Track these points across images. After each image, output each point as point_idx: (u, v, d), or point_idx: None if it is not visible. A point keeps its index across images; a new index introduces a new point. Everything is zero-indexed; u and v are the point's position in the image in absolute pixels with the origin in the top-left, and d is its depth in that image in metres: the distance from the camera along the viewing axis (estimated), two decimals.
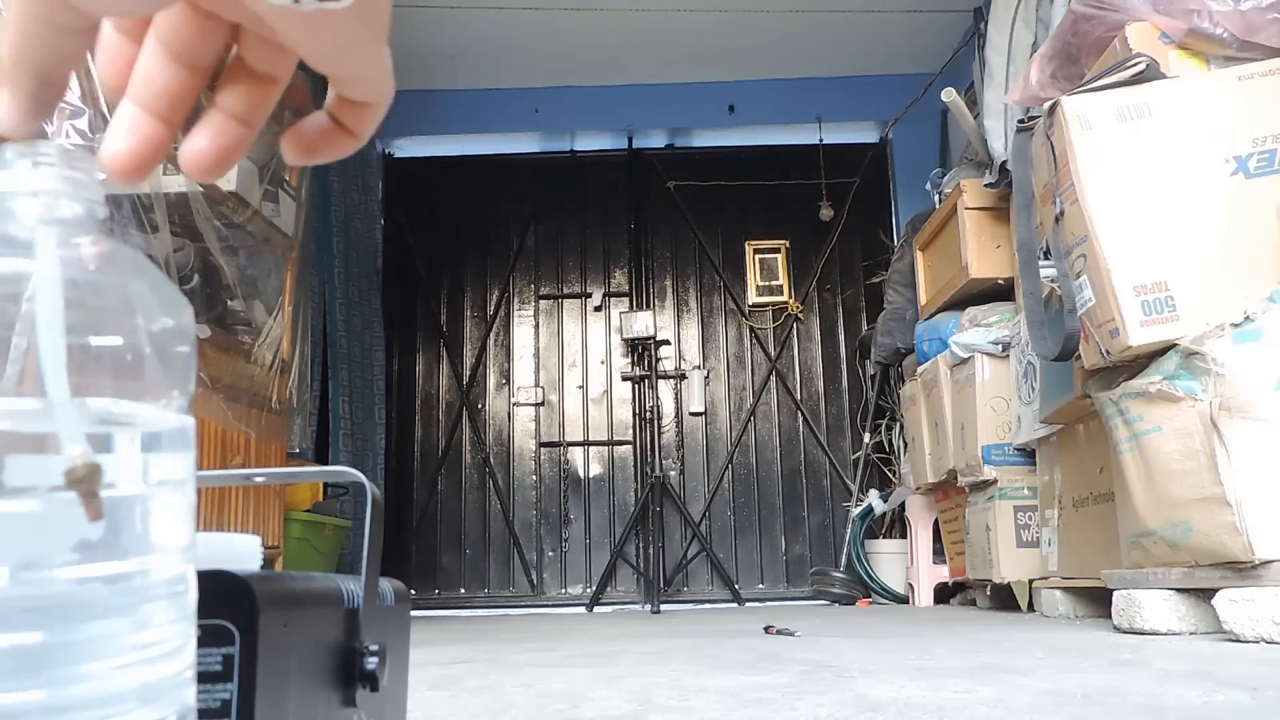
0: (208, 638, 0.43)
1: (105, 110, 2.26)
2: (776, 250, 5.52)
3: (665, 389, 5.38)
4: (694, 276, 5.56)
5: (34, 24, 0.33)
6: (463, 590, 5.20)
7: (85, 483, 0.30)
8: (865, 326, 5.36)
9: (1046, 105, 2.32)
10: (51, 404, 0.30)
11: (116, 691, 0.31)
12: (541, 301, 5.55)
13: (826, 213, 5.35)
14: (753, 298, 5.47)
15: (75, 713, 0.30)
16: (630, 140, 5.68)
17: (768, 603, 4.94)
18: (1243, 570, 1.84)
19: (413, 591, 4.63)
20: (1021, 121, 2.49)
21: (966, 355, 3.47)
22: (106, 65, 0.36)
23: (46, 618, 0.30)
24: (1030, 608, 3.09)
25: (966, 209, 3.66)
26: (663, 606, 4.52)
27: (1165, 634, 1.99)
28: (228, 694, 0.44)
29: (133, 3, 0.33)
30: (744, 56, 5.31)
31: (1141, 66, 2.20)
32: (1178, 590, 2.01)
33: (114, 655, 0.31)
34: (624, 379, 5.39)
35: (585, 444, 5.33)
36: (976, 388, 3.40)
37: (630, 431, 5.32)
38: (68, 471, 0.30)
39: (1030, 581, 3.11)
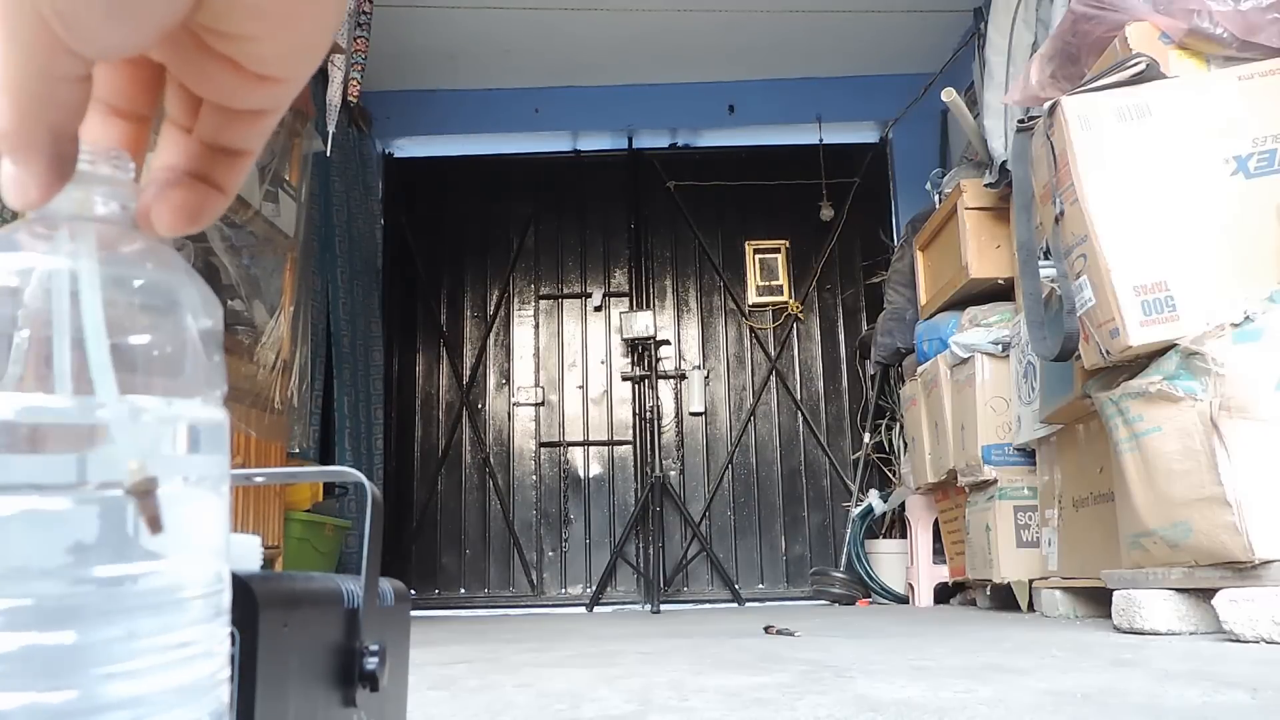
0: None
1: None
2: (776, 250, 5.52)
3: (665, 389, 5.38)
4: (694, 276, 5.56)
5: (39, 83, 0.30)
6: (463, 590, 5.20)
7: (144, 495, 0.30)
8: (865, 326, 5.36)
9: (1046, 105, 2.32)
10: (103, 409, 0.30)
11: (152, 692, 0.31)
12: (541, 301, 5.55)
13: (826, 213, 5.35)
14: (753, 298, 5.47)
15: (110, 713, 0.30)
16: (630, 140, 5.68)
17: (768, 603, 4.94)
18: (1243, 570, 1.84)
19: (413, 591, 4.62)
20: (1021, 121, 2.49)
21: (966, 355, 3.47)
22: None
23: (82, 617, 0.29)
24: (1030, 608, 3.09)
25: (966, 209, 3.66)
26: (663, 606, 4.52)
27: (1165, 634, 1.98)
28: (228, 694, 0.44)
29: (132, 38, 0.30)
30: (744, 56, 5.31)
31: (1141, 66, 2.20)
32: (1178, 590, 2.01)
33: (150, 655, 0.31)
34: (624, 379, 5.39)
35: (585, 444, 5.33)
36: (976, 388, 3.40)
37: (630, 431, 5.32)
38: (128, 486, 0.30)
39: (1030, 581, 3.11)
